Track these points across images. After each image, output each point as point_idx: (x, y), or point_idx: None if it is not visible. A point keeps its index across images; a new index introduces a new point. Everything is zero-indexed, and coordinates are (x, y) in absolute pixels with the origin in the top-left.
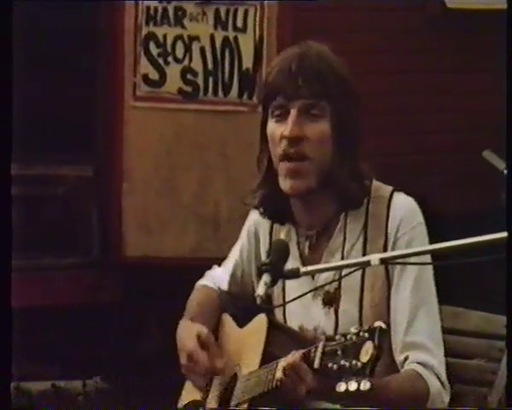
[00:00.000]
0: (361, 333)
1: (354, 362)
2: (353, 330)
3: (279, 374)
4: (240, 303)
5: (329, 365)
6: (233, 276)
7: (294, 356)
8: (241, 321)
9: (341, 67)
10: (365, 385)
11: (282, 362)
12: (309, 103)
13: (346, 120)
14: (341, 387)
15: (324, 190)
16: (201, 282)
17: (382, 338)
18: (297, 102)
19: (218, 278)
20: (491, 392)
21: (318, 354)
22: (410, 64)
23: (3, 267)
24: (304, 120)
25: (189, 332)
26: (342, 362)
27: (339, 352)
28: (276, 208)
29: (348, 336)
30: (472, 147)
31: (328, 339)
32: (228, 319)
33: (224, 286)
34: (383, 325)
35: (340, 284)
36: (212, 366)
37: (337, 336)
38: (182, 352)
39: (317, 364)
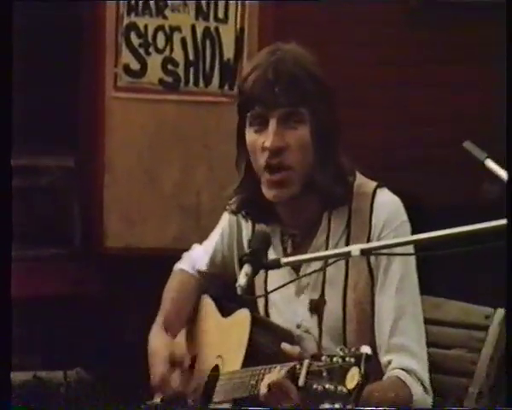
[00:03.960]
0: (347, 358)
1: (340, 388)
2: (339, 352)
3: (264, 390)
4: (219, 284)
5: (314, 386)
6: (212, 258)
7: (279, 373)
8: (222, 304)
9: (316, 68)
10: None
11: (267, 378)
12: (288, 112)
13: (325, 123)
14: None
15: (308, 193)
16: (179, 265)
17: (368, 365)
18: (276, 112)
19: (196, 258)
20: (471, 382)
21: (303, 373)
22: (394, 56)
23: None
24: (284, 129)
25: (158, 352)
26: (327, 385)
27: (324, 374)
28: (259, 211)
29: (334, 359)
30: (455, 139)
31: (314, 357)
32: (209, 304)
33: (203, 267)
34: (369, 351)
35: (323, 280)
36: (183, 391)
37: (323, 357)
38: (152, 370)
39: (301, 382)
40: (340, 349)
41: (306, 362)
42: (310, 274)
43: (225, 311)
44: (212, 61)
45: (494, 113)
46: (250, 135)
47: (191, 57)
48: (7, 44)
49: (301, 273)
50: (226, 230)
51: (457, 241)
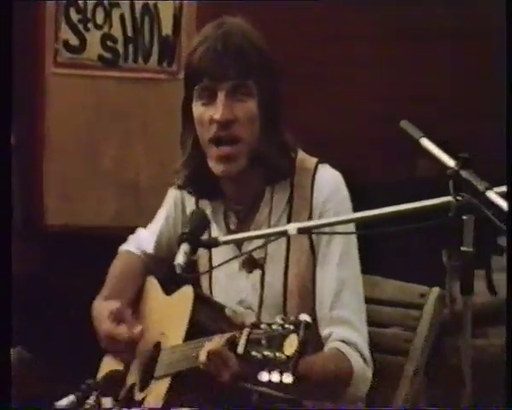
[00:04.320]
0: (286, 325)
1: (278, 354)
2: (279, 320)
3: (203, 358)
4: (165, 267)
5: (253, 353)
6: (159, 241)
7: (219, 341)
8: (167, 286)
9: (263, 42)
10: (287, 378)
11: (207, 345)
12: (236, 84)
13: (271, 97)
14: (264, 377)
15: (253, 166)
16: (125, 247)
17: (307, 332)
18: (225, 84)
19: (143, 241)
20: (406, 361)
21: (243, 341)
22: (331, 34)
23: None
24: (232, 101)
25: (101, 313)
26: (266, 352)
27: (263, 341)
28: (204, 187)
29: (273, 326)
30: (392, 117)
31: (254, 326)
32: (153, 284)
33: (150, 249)
34: (308, 319)
35: (265, 256)
36: (131, 336)
37: (262, 325)
38: (99, 334)
39: (240, 350)
40: (280, 318)
41: (246, 330)
42: (251, 251)
43: (169, 290)
44: (150, 38)
45: (431, 92)
46: (198, 108)
47: (130, 33)
48: (6, 44)
49: (243, 250)
50: (171, 211)
51: (395, 219)
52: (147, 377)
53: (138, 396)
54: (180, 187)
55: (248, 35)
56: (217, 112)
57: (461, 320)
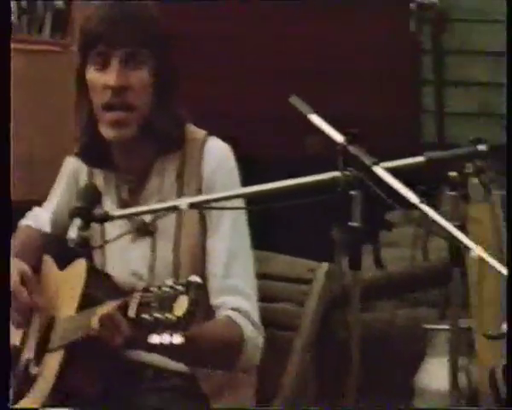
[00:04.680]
0: (176, 286)
1: (169, 315)
2: (169, 282)
3: (95, 323)
4: (62, 245)
5: (144, 316)
6: (54, 219)
7: (110, 306)
8: (62, 264)
9: (158, 13)
10: (177, 339)
11: (99, 311)
12: (131, 52)
13: (165, 67)
14: (155, 339)
15: (144, 135)
16: (24, 222)
17: (198, 293)
18: (119, 51)
19: (39, 218)
20: (296, 336)
21: (134, 305)
22: (224, 10)
23: None
24: (126, 68)
25: (13, 267)
26: (157, 314)
27: (154, 304)
28: (96, 155)
29: (164, 289)
30: (281, 92)
31: (145, 290)
32: (48, 261)
33: (46, 228)
34: (198, 280)
35: (156, 228)
36: (33, 302)
37: (153, 288)
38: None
39: (132, 314)
40: (171, 281)
41: (137, 294)
42: (143, 225)
43: (63, 265)
44: (43, 10)
45: (321, 67)
46: (91, 74)
47: (23, 4)
48: (5, 43)
49: (137, 224)
50: (65, 189)
51: (286, 194)
52: (42, 352)
53: (33, 371)
54: (76, 155)
55: (145, 4)
56: (110, 78)
57: (349, 295)
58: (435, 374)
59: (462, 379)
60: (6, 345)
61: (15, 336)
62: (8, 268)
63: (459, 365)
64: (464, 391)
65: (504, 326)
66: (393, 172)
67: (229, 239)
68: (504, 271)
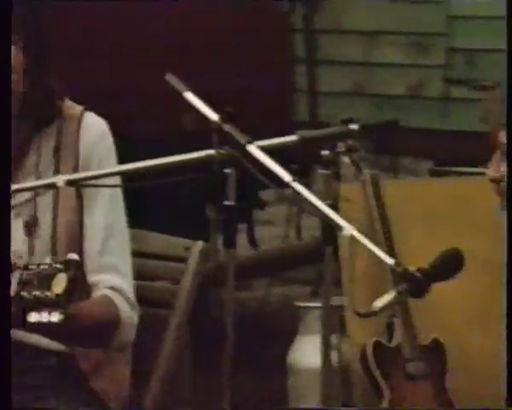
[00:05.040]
0: (54, 264)
1: (48, 293)
2: (47, 260)
3: None
4: None
5: (24, 294)
6: None
7: None
8: None
9: None
10: (55, 317)
11: None
12: None
13: (36, 42)
14: (33, 317)
15: (20, 113)
16: None
17: (76, 271)
18: None
19: None
20: (172, 314)
21: (13, 283)
22: None
23: None
24: None
25: None
26: (36, 292)
27: (34, 282)
28: None
29: (42, 266)
30: (160, 70)
31: (25, 268)
32: None
33: None
34: (77, 258)
35: (35, 206)
36: None
37: (32, 266)
38: None
39: (12, 292)
40: (50, 259)
41: (17, 273)
42: (22, 204)
43: None
44: None
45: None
46: None
47: None
48: (6, 42)
49: (15, 202)
50: None
51: (161, 172)
52: None
53: None
54: None
55: None
56: None
57: (224, 273)
58: (307, 351)
59: (334, 357)
60: (6, 345)
61: None
62: (8, 267)
63: (331, 342)
64: (336, 368)
65: (377, 304)
66: (267, 150)
67: (106, 217)
68: (376, 249)
